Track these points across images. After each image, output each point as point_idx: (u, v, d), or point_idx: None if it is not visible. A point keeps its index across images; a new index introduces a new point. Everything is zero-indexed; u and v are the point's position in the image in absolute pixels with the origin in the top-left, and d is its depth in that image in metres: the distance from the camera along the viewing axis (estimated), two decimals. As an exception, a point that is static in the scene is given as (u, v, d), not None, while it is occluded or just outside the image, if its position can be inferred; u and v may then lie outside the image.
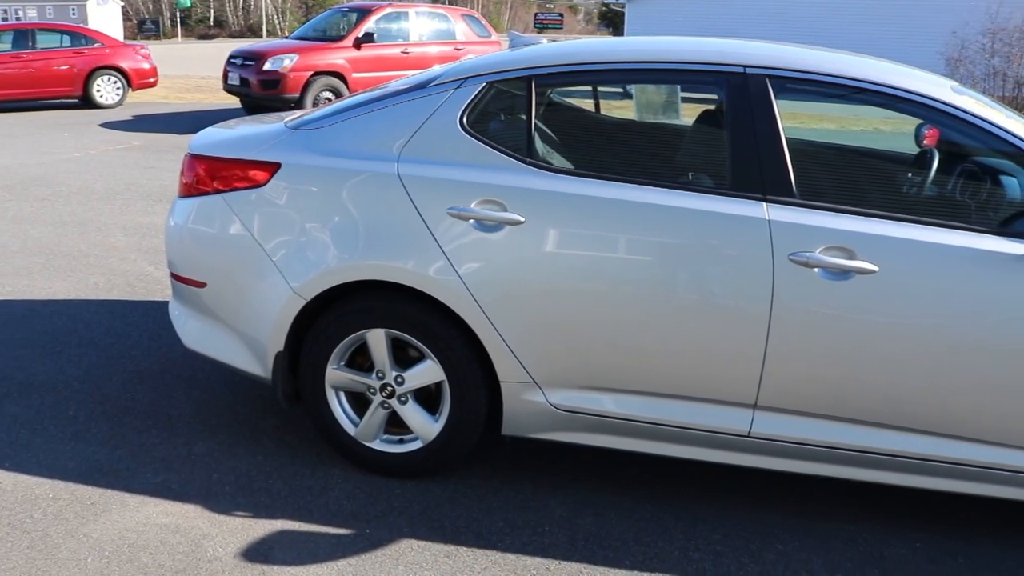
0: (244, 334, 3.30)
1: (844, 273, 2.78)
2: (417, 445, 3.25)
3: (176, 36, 56.10)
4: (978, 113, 2.90)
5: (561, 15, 54.08)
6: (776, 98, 2.94)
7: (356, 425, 3.29)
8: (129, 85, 16.56)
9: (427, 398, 3.24)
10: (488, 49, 14.71)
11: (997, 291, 2.73)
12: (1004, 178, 3.21)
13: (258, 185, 3.21)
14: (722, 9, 24.74)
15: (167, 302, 5.23)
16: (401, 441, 3.30)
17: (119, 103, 16.53)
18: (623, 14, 27.68)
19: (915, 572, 2.90)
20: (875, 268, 2.76)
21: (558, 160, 3.23)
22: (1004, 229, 2.84)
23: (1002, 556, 3.01)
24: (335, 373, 3.24)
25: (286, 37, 17.68)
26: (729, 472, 3.45)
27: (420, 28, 14.60)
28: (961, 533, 3.13)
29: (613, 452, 3.20)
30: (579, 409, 3.06)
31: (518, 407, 3.10)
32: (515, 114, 3.18)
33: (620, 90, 4.47)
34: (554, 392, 3.07)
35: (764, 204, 2.86)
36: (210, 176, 3.30)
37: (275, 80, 13.18)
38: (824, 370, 2.85)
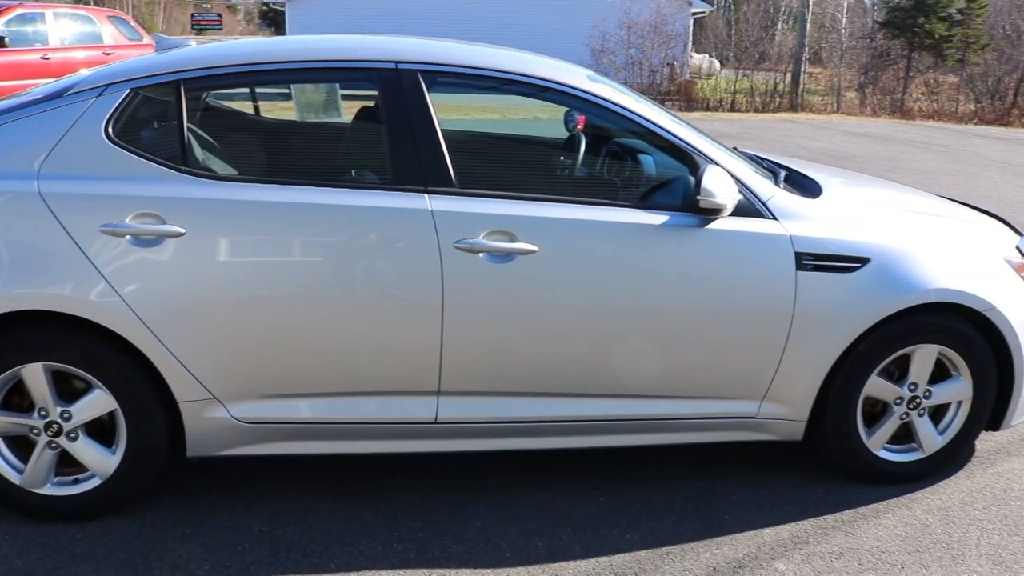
0: None
1: (507, 255, 2.94)
2: (95, 483, 3.01)
3: None
4: (611, 98, 3.17)
5: (220, 15, 52.04)
6: (429, 91, 3.03)
7: (21, 472, 2.98)
8: None
9: (101, 430, 3.01)
10: (140, 52, 13.85)
11: (643, 259, 3.01)
12: (642, 157, 3.55)
13: None
14: (383, 7, 25.05)
15: None
16: (76, 481, 3.03)
17: None
18: (284, 13, 27.20)
19: (601, 524, 3.14)
20: (535, 248, 2.94)
21: (217, 166, 3.12)
22: (644, 203, 3.14)
23: (672, 496, 3.34)
24: (-12, 418, 2.91)
25: None
26: (420, 459, 3.52)
27: (61, 31, 13.42)
28: (634, 483, 3.43)
29: (306, 457, 3.16)
30: (266, 419, 2.99)
31: (201, 426, 2.97)
32: (166, 121, 3.02)
33: (284, 90, 4.41)
34: (237, 405, 2.97)
35: (426, 196, 2.94)
36: None
37: None
38: (498, 349, 3.00)
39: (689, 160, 3.14)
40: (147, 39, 14.77)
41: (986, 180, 11.36)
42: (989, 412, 3.42)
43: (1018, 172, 12.35)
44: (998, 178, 11.63)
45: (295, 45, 3.22)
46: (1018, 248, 3.52)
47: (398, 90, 3.01)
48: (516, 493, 3.32)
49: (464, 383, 3.02)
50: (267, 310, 2.88)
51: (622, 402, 3.14)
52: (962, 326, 3.26)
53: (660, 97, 21.19)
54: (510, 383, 3.04)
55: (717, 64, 31.54)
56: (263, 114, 3.99)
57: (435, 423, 3.06)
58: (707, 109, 21.46)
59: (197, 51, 3.15)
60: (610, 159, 3.73)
